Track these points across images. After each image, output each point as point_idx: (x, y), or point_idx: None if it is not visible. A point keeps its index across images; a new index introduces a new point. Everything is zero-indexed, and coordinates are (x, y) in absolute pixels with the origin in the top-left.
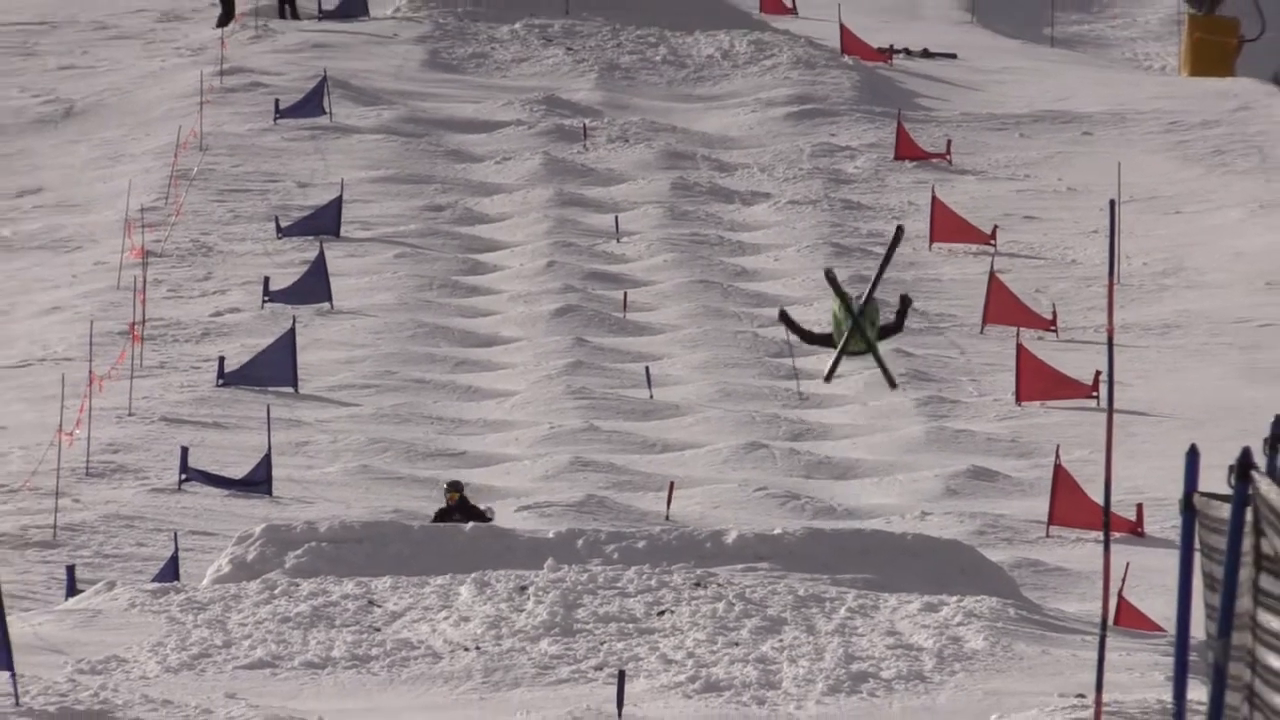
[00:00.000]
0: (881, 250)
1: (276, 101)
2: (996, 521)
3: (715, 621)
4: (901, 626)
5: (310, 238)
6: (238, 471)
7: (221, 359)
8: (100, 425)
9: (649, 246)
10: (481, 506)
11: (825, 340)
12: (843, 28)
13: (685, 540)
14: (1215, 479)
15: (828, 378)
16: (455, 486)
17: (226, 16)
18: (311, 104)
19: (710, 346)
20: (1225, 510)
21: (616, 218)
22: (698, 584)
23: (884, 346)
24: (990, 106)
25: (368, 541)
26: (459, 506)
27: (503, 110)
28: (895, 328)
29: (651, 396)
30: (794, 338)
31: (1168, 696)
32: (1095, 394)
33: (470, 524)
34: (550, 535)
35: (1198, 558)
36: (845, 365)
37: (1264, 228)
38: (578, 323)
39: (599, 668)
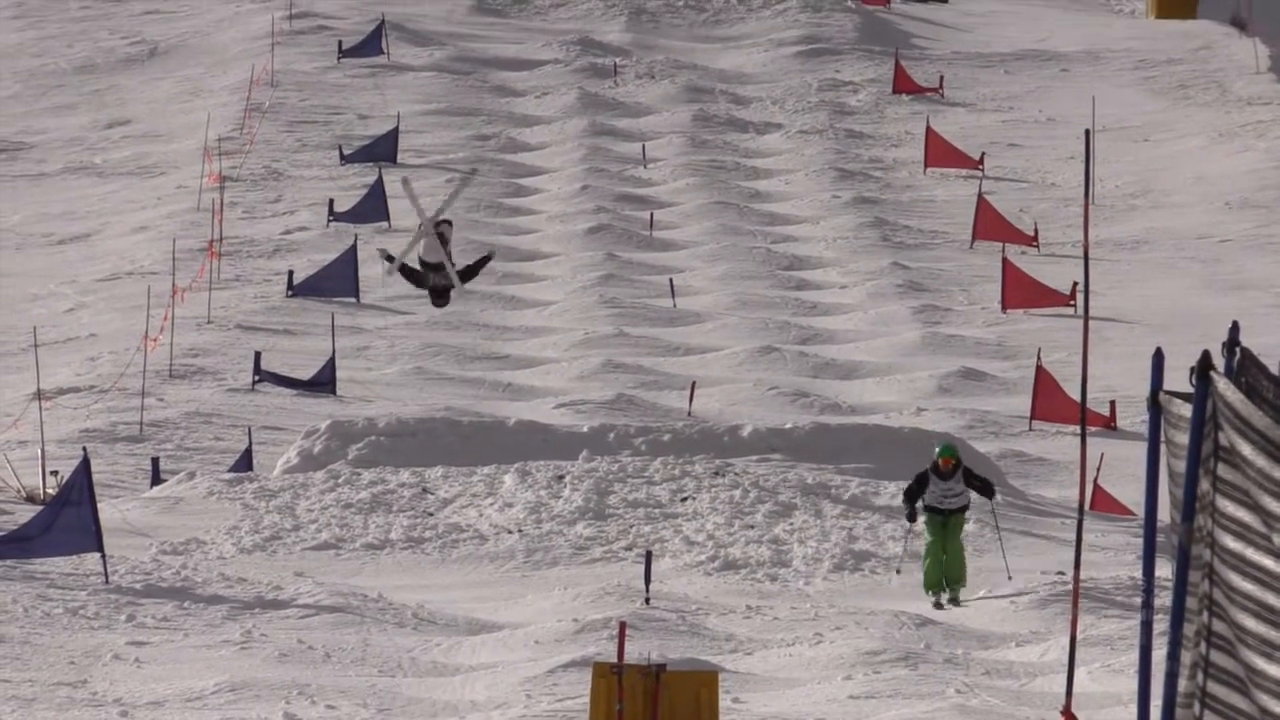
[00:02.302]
0: (882, 176)
1: (339, 43)
2: (984, 417)
3: (732, 507)
4: (899, 510)
5: (370, 164)
6: (305, 373)
7: (290, 272)
8: (182, 332)
9: (673, 171)
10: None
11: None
12: None
13: (705, 434)
14: (1179, 379)
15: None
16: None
17: None
18: (371, 45)
19: (728, 260)
20: (1187, 408)
21: (643, 146)
22: (717, 473)
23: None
24: (978, 46)
25: (422, 435)
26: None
27: (542, 50)
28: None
29: (675, 305)
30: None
31: (1138, 573)
32: (1072, 302)
33: (513, 420)
34: (585, 429)
35: (1163, 449)
36: (850, 277)
37: (1222, 154)
38: (609, 240)
39: (628, 548)
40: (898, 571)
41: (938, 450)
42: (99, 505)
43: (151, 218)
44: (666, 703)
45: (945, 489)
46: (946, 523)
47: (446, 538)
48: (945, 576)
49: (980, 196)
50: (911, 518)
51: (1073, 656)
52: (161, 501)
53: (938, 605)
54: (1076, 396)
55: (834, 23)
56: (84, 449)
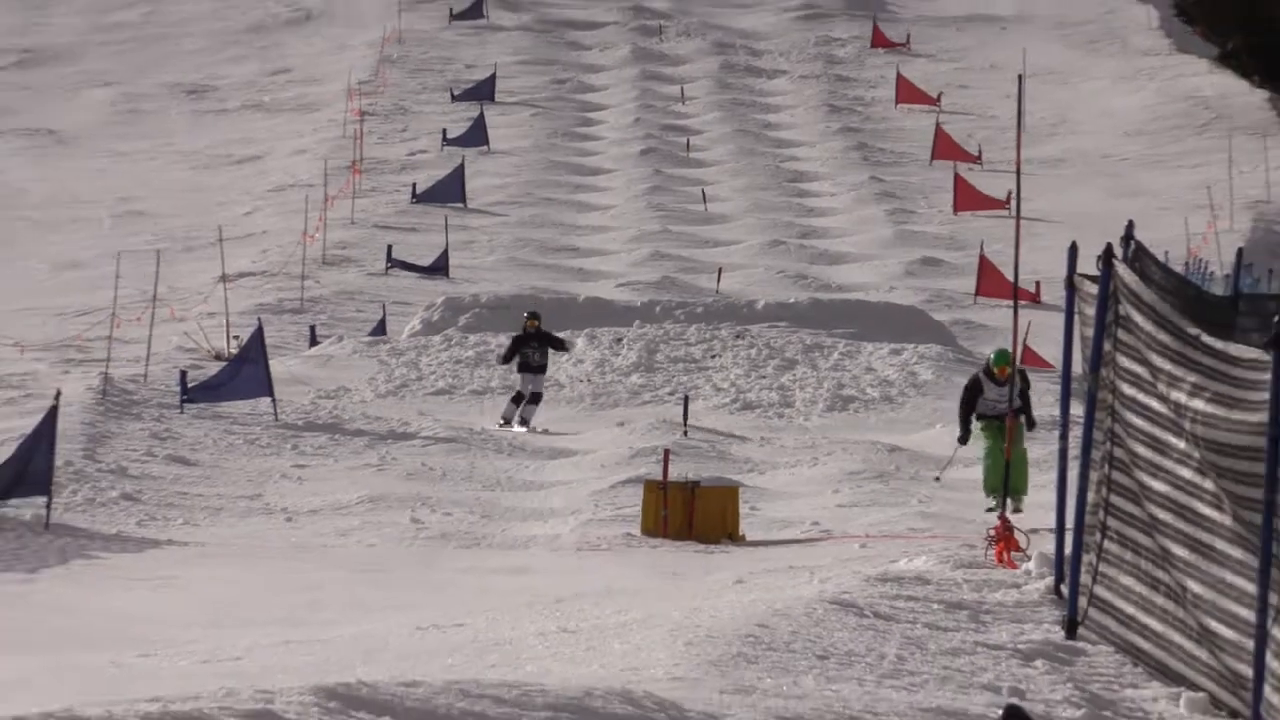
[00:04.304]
0: (863, 111)
1: (450, 8)
2: (940, 293)
3: (749, 362)
4: (876, 365)
5: (474, 102)
6: (425, 260)
7: (414, 185)
8: (332, 230)
9: (704, 107)
10: (560, 335)
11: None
12: None
13: (729, 307)
14: (1088, 265)
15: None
16: (534, 315)
17: None
18: (475, 10)
19: (746, 175)
20: (1094, 287)
21: (682, 88)
22: (737, 336)
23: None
24: (936, 10)
25: (514, 308)
26: (537, 334)
27: (604, 14)
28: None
29: (706, 209)
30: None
31: (1057, 412)
32: (1007, 206)
33: (583, 296)
34: (637, 304)
35: (1076, 319)
36: (850, 219)
37: (1123, 93)
38: (656, 159)
39: (671, 393)
40: (937, 479)
41: (992, 358)
42: (270, 361)
43: (308, 143)
44: (700, 510)
45: (1000, 394)
46: (1004, 425)
47: None
48: (1009, 485)
49: (938, 126)
50: (964, 440)
51: (1007, 475)
52: (317, 359)
53: (992, 510)
54: (1011, 278)
55: None
56: (258, 319)
